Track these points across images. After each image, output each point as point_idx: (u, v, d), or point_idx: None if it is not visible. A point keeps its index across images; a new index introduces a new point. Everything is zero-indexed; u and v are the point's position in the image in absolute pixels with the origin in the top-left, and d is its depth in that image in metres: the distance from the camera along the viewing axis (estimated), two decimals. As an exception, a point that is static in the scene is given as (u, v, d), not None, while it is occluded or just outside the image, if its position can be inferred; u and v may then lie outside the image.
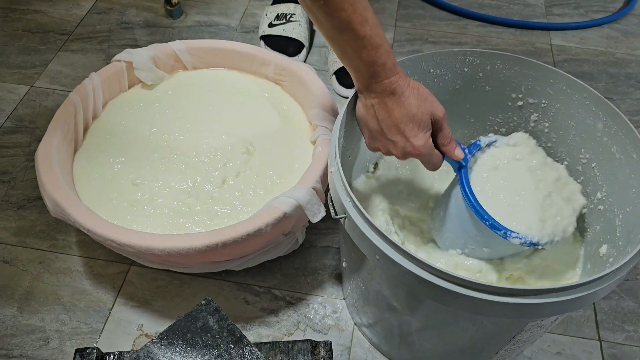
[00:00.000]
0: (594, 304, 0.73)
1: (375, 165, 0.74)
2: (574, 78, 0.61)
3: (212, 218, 0.66)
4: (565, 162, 0.67)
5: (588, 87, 0.60)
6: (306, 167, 0.67)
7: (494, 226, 0.54)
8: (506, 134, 0.71)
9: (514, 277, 0.62)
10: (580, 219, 0.65)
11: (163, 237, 0.59)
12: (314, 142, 0.74)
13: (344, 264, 0.65)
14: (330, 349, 0.55)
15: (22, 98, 0.97)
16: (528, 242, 0.54)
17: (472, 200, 0.56)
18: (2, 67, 1.02)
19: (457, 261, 0.61)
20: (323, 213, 0.64)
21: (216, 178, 0.70)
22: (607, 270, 0.45)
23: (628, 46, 1.14)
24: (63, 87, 0.99)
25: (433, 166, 0.57)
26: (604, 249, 0.58)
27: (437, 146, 0.57)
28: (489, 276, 0.60)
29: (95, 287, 0.73)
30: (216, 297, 0.72)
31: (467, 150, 0.58)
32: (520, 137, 0.60)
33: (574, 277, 0.63)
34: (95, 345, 0.67)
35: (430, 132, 0.54)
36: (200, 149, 0.73)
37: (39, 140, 0.69)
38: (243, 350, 0.49)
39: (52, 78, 1.01)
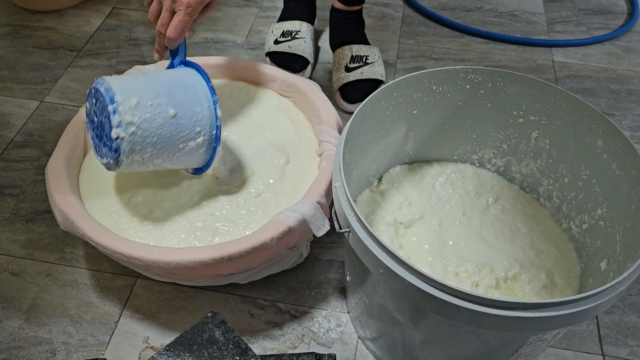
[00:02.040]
0: (597, 318, 0.73)
1: (380, 180, 0.75)
2: (574, 95, 0.62)
3: (214, 235, 0.67)
4: (566, 178, 0.67)
5: (588, 104, 0.61)
6: (311, 181, 0.68)
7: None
8: (508, 150, 0.73)
9: (508, 278, 0.63)
10: (582, 234, 0.66)
11: (170, 250, 0.61)
12: (319, 157, 0.75)
13: (348, 278, 0.66)
14: (334, 362, 0.56)
15: (32, 113, 0.99)
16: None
17: None
18: (12, 82, 1.05)
19: (457, 270, 0.62)
20: (327, 227, 0.64)
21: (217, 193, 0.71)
22: (607, 285, 0.46)
23: (629, 62, 1.16)
24: (72, 103, 1.01)
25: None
26: (604, 263, 0.59)
27: None
28: (487, 280, 0.62)
29: (102, 299, 0.74)
30: (221, 310, 0.73)
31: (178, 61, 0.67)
32: None
33: (574, 292, 0.63)
34: (101, 357, 0.68)
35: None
36: None
37: (48, 155, 0.70)
38: (248, 362, 0.50)
39: (62, 93, 1.03)
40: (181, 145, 0.61)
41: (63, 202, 0.65)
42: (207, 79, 0.64)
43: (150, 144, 0.58)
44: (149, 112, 0.57)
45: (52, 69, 1.08)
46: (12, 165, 0.90)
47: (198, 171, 0.68)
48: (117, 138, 0.55)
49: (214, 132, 0.63)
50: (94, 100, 0.59)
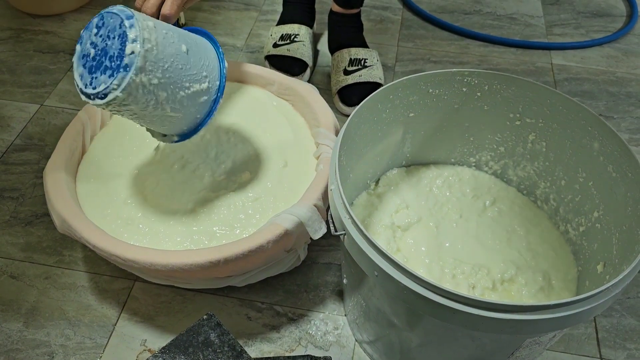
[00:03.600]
0: (595, 321, 0.73)
1: (377, 183, 0.75)
2: (570, 98, 0.62)
3: (210, 239, 0.67)
4: (563, 181, 0.67)
5: (584, 106, 0.61)
6: (308, 184, 0.68)
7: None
8: (505, 153, 0.73)
9: (505, 280, 0.63)
10: (579, 236, 0.66)
11: (167, 252, 0.61)
12: (317, 159, 0.75)
13: (345, 281, 0.66)
14: (330, 365, 0.56)
15: (32, 116, 0.99)
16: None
17: None
18: (13, 86, 1.05)
19: (454, 272, 0.62)
20: (324, 230, 0.65)
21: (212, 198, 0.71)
22: (602, 287, 0.46)
23: (628, 65, 1.16)
24: (72, 106, 1.02)
25: None
26: (601, 266, 0.59)
27: None
28: (483, 282, 0.61)
29: (100, 302, 0.74)
30: (219, 313, 0.73)
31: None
32: None
33: (571, 295, 0.63)
34: (99, 360, 0.68)
35: None
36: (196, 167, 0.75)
37: (48, 158, 0.71)
38: (244, 365, 0.50)
39: (62, 97, 1.03)
40: (187, 84, 0.59)
41: (60, 205, 0.65)
42: (212, 37, 0.64)
43: (161, 68, 0.56)
44: (165, 38, 0.56)
45: (52, 72, 1.08)
46: (12, 168, 0.91)
47: (186, 136, 0.65)
48: (131, 53, 0.53)
49: (218, 82, 0.63)
50: (95, 30, 0.57)
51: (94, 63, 0.56)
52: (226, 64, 0.63)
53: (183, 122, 0.62)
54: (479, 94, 0.67)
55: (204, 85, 0.61)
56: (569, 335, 0.72)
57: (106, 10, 0.57)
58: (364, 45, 1.06)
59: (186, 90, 0.59)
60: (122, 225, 0.68)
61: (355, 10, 1.06)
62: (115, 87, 0.54)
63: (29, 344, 0.70)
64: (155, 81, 0.56)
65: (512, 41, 1.19)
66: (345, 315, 0.73)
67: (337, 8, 1.06)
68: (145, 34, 0.54)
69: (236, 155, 0.76)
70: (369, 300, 0.59)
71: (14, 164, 0.91)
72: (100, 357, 0.69)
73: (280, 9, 1.17)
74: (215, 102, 0.63)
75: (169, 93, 0.58)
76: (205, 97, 0.62)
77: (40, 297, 0.74)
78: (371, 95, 0.62)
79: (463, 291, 0.62)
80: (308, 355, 0.56)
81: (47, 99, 1.03)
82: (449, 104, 0.69)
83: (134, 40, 0.53)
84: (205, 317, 0.53)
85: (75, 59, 0.59)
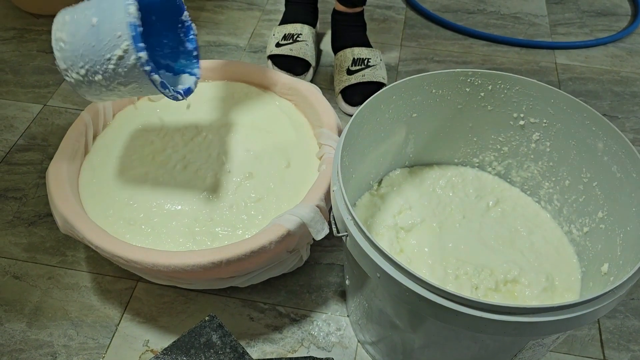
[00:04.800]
0: (598, 323, 0.73)
1: (380, 183, 0.75)
2: (574, 98, 0.61)
3: (213, 240, 0.67)
4: (567, 181, 0.67)
5: (588, 106, 0.60)
6: (311, 185, 0.68)
7: None
8: (509, 153, 0.72)
9: (508, 281, 0.63)
10: (583, 237, 0.66)
11: (169, 253, 0.61)
12: (320, 159, 0.75)
13: (347, 282, 0.66)
14: (333, 366, 0.56)
15: (36, 117, 1.00)
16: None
17: None
18: (17, 86, 1.05)
19: (457, 273, 0.62)
20: (326, 231, 0.64)
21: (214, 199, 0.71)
22: (607, 289, 0.45)
23: (633, 65, 1.15)
24: (75, 106, 1.02)
25: None
26: (605, 267, 0.58)
27: None
28: (486, 283, 0.61)
29: (102, 302, 0.74)
30: (221, 314, 0.73)
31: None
32: None
33: (575, 295, 0.63)
34: (101, 360, 0.68)
35: None
36: (199, 168, 0.75)
37: (51, 158, 0.71)
38: (246, 366, 0.50)
39: (65, 97, 1.03)
40: (108, 55, 0.55)
41: (63, 206, 0.65)
42: None
43: (78, 57, 0.57)
44: (75, 25, 0.57)
45: (55, 72, 1.08)
46: (15, 168, 0.91)
47: (185, 92, 0.63)
48: (55, 58, 0.57)
49: (131, 32, 0.54)
50: None
51: None
52: (132, 9, 0.54)
53: (149, 87, 0.59)
54: (482, 94, 0.67)
55: (124, 47, 0.55)
56: (572, 337, 0.71)
57: None
58: (367, 44, 1.06)
59: (111, 62, 0.56)
60: (125, 225, 0.68)
61: (358, 9, 1.06)
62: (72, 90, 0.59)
63: (32, 344, 0.70)
64: (82, 72, 0.58)
65: (516, 40, 1.18)
66: (347, 316, 0.73)
67: (340, 7, 1.06)
68: (57, 34, 0.57)
69: (238, 155, 0.76)
70: (372, 302, 0.59)
71: (17, 164, 0.91)
72: (103, 357, 0.69)
73: (283, 8, 1.17)
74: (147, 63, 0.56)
75: (102, 73, 0.57)
76: (136, 55, 0.55)
77: (43, 298, 0.74)
78: (374, 95, 0.62)
79: (466, 292, 0.62)
80: (310, 356, 0.55)
81: (51, 99, 1.03)
82: (452, 104, 0.69)
83: (55, 50, 0.57)
84: (207, 318, 0.53)
85: None
